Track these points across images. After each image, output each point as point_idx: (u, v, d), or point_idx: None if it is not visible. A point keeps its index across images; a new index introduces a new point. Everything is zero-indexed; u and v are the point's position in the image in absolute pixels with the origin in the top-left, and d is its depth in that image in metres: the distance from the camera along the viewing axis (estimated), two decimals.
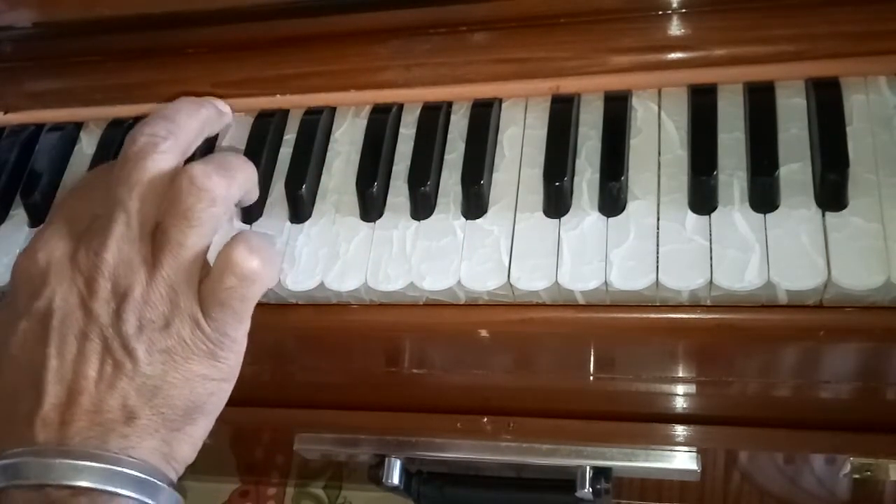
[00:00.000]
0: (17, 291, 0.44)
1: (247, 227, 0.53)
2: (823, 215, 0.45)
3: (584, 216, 0.48)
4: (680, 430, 0.60)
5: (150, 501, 0.40)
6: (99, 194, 0.45)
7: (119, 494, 0.39)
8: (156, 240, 0.42)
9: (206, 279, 0.43)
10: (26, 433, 0.40)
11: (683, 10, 0.52)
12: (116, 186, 0.43)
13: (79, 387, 0.40)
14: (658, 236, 0.47)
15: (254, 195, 0.51)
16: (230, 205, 0.45)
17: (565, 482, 0.63)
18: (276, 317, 0.52)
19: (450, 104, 0.55)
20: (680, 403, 0.60)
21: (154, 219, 0.43)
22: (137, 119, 0.60)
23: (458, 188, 0.51)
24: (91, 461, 0.39)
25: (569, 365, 0.58)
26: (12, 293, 0.44)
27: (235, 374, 0.45)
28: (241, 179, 0.45)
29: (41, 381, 0.41)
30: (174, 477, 0.43)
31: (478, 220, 0.50)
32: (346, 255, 0.51)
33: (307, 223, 0.53)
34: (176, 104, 0.48)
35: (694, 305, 0.46)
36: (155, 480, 0.41)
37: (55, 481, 0.39)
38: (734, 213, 0.46)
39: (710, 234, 0.46)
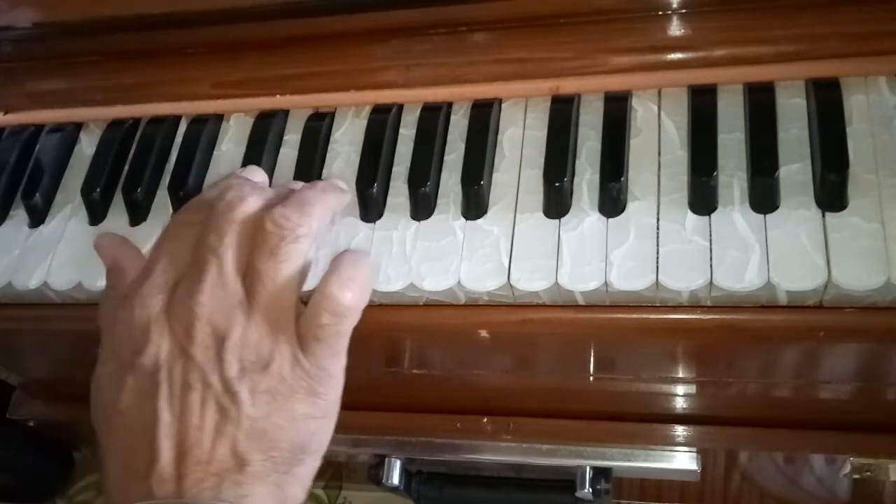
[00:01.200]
0: (118, 346, 0.44)
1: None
2: (823, 216, 0.45)
3: (584, 217, 0.48)
4: (680, 431, 0.60)
5: None
6: (188, 242, 0.45)
7: None
8: (248, 281, 0.43)
9: (302, 315, 0.43)
10: (143, 488, 0.40)
11: (683, 11, 0.52)
12: (208, 235, 0.44)
13: (190, 438, 0.41)
14: (658, 237, 0.47)
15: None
16: (313, 237, 0.45)
17: (565, 482, 0.63)
18: None
19: (450, 105, 0.55)
20: (680, 404, 0.60)
21: (245, 264, 0.43)
22: (138, 119, 0.60)
23: (458, 189, 0.51)
24: None
25: (569, 365, 0.58)
26: (113, 347, 0.44)
27: (336, 412, 0.45)
28: (319, 212, 0.46)
29: (154, 437, 0.41)
30: None
31: (478, 221, 0.50)
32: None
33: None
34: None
35: (694, 306, 0.46)
36: None
37: None
38: (734, 214, 0.46)
39: (710, 235, 0.46)
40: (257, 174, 0.52)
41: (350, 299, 0.43)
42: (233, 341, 0.41)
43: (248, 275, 0.43)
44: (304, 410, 0.43)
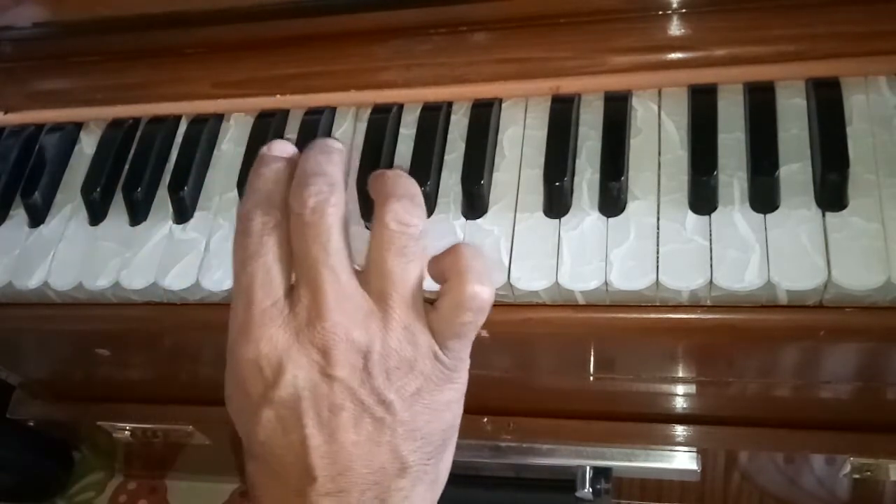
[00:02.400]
0: (247, 382, 0.42)
1: None
2: (823, 215, 0.45)
3: (585, 216, 0.48)
4: (680, 430, 0.60)
5: None
6: (275, 253, 0.43)
7: None
8: (375, 286, 0.42)
9: (435, 313, 0.42)
10: (305, 502, 0.40)
11: (683, 10, 0.52)
12: (306, 246, 0.42)
13: (347, 455, 0.40)
14: (658, 236, 0.47)
15: None
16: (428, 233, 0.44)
17: (565, 482, 0.63)
18: None
19: (450, 104, 0.55)
20: (680, 403, 0.60)
21: (349, 260, 0.42)
22: (137, 119, 0.60)
23: (459, 188, 0.51)
24: None
25: (569, 365, 0.58)
26: (240, 384, 0.43)
27: (466, 386, 0.45)
28: (422, 198, 0.45)
29: (306, 460, 0.40)
30: None
31: (478, 221, 0.50)
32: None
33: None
34: (311, 156, 0.46)
35: (694, 305, 0.46)
36: None
37: None
38: (734, 214, 0.46)
39: (711, 235, 0.46)
40: (288, 147, 0.47)
41: (489, 294, 0.42)
42: (377, 352, 0.41)
43: (373, 279, 0.42)
44: (447, 398, 0.43)
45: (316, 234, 0.42)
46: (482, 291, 0.42)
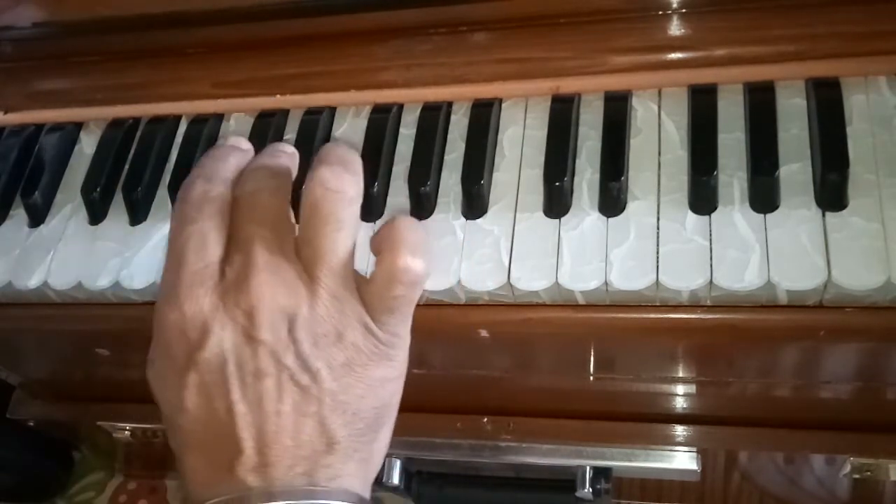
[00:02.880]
0: (172, 347, 0.41)
1: None
2: (823, 215, 0.45)
3: (585, 216, 0.48)
4: (680, 431, 0.60)
5: None
6: (211, 218, 0.43)
7: None
8: (303, 255, 0.41)
9: (367, 285, 0.42)
10: (235, 481, 0.39)
11: (683, 10, 0.52)
12: (242, 221, 0.42)
13: (273, 425, 0.39)
14: (658, 236, 0.47)
15: None
16: (360, 198, 0.43)
17: (565, 482, 0.63)
18: None
19: (450, 104, 0.55)
20: (680, 403, 0.60)
21: (290, 240, 0.42)
22: (138, 119, 0.60)
23: (459, 188, 0.51)
24: (302, 499, 0.39)
25: (569, 365, 0.58)
26: (165, 349, 0.42)
27: (405, 367, 0.44)
28: (360, 169, 0.44)
29: (234, 429, 0.39)
30: (369, 494, 0.42)
31: (478, 221, 0.50)
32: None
33: None
34: (259, 155, 0.48)
35: (694, 305, 0.46)
36: None
37: None
38: (734, 214, 0.46)
39: (711, 235, 0.46)
40: (243, 142, 0.48)
41: (422, 267, 0.41)
42: (303, 317, 0.40)
43: (302, 248, 0.41)
44: (381, 374, 0.42)
45: (252, 212, 0.42)
46: (415, 264, 0.41)
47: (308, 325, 0.40)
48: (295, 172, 0.48)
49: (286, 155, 0.47)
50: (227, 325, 0.40)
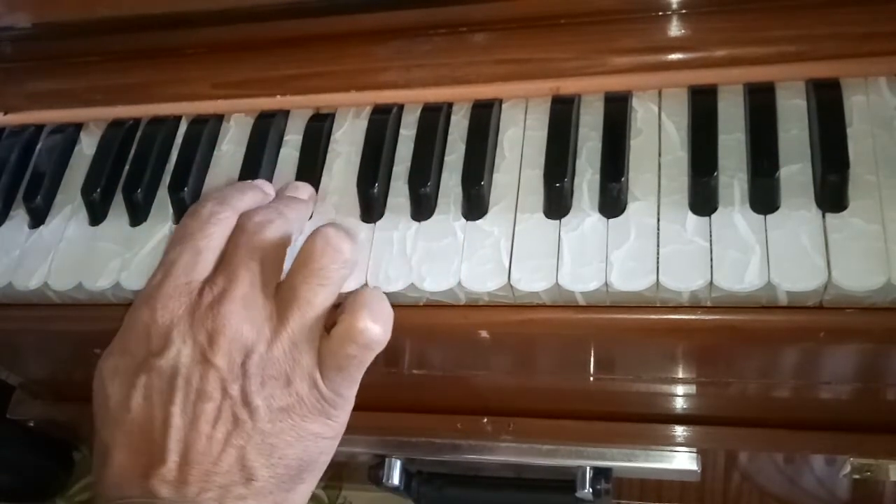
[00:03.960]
0: (134, 344, 0.44)
1: None
2: (824, 216, 0.45)
3: (585, 217, 0.48)
4: (680, 431, 0.60)
5: None
6: (214, 242, 0.45)
7: None
8: (281, 297, 0.43)
9: (325, 340, 0.43)
10: (147, 487, 0.40)
11: (683, 11, 0.52)
12: (238, 249, 0.44)
13: (199, 446, 0.41)
14: (658, 237, 0.47)
15: None
16: (354, 267, 0.46)
17: (565, 482, 0.63)
18: None
19: (450, 105, 0.55)
20: (680, 404, 0.60)
21: (274, 282, 0.44)
22: (138, 119, 0.60)
23: (459, 189, 0.51)
24: None
25: (569, 365, 0.58)
26: (125, 342, 0.44)
27: (342, 432, 0.45)
28: (358, 247, 0.46)
29: (164, 439, 0.41)
30: None
31: (478, 222, 0.50)
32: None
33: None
34: (278, 194, 0.51)
35: (694, 306, 0.46)
36: None
37: None
38: (734, 215, 0.46)
39: (711, 235, 0.46)
40: (267, 186, 0.52)
41: (380, 333, 0.43)
42: (258, 354, 0.41)
43: (283, 290, 0.43)
44: (316, 430, 0.43)
45: (249, 241, 0.44)
46: (372, 329, 0.43)
47: (262, 362, 0.41)
48: (307, 217, 0.50)
49: (303, 203, 0.50)
50: (188, 341, 0.42)
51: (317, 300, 0.43)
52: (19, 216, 0.59)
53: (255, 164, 0.55)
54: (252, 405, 0.41)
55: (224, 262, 0.44)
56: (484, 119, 0.53)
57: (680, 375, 0.56)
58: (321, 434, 0.43)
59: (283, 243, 0.45)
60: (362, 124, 0.55)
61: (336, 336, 0.43)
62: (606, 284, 0.46)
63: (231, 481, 0.41)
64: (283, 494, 0.42)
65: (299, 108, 0.58)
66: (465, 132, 0.53)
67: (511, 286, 0.47)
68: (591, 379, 0.58)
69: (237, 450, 0.41)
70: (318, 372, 0.43)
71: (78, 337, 0.62)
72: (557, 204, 0.49)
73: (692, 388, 0.58)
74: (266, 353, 0.42)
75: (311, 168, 0.54)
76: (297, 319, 0.42)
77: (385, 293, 0.49)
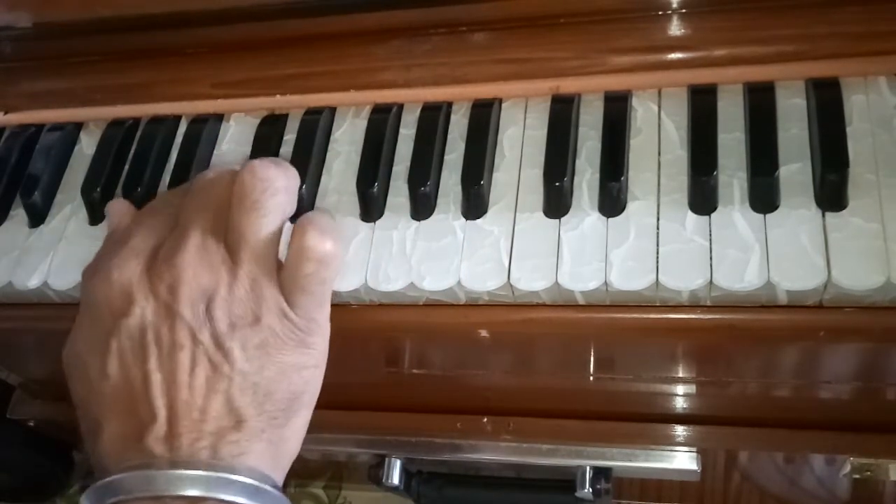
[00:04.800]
0: (97, 312, 0.44)
1: None
2: (823, 215, 0.45)
3: (584, 216, 0.48)
4: (680, 430, 0.60)
5: None
6: (167, 215, 0.46)
7: (232, 503, 0.40)
8: (229, 240, 0.43)
9: (282, 269, 0.44)
10: (142, 449, 0.41)
11: (683, 11, 0.52)
12: (188, 206, 0.45)
13: (182, 396, 0.41)
14: (658, 236, 0.47)
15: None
16: (292, 194, 0.45)
17: (565, 482, 0.63)
18: None
19: (450, 104, 0.55)
20: (680, 403, 0.60)
21: (225, 228, 0.44)
22: (137, 119, 0.60)
23: (459, 188, 0.51)
24: (205, 471, 0.40)
25: (569, 365, 0.58)
26: (93, 315, 0.44)
27: (325, 359, 0.45)
28: (294, 175, 0.46)
29: (147, 398, 0.41)
30: (281, 478, 0.43)
31: (478, 221, 0.50)
32: (346, 255, 0.51)
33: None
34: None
35: (694, 306, 0.46)
36: (267, 487, 0.41)
37: (170, 492, 0.39)
38: (734, 214, 0.46)
39: (710, 235, 0.46)
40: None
41: (331, 246, 0.43)
42: (221, 297, 0.42)
43: (229, 234, 0.43)
44: (296, 361, 0.43)
45: (199, 196, 0.45)
46: (322, 242, 0.43)
47: (226, 305, 0.42)
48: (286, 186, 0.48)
49: (275, 169, 0.47)
50: (150, 297, 0.42)
51: (261, 233, 0.43)
52: (19, 216, 0.59)
53: None
54: (225, 348, 0.41)
55: (179, 217, 0.45)
56: (484, 118, 0.53)
57: (680, 375, 0.56)
58: (303, 364, 0.43)
59: (230, 186, 0.45)
60: (362, 124, 0.55)
61: (290, 260, 0.43)
62: (606, 284, 0.46)
63: (221, 427, 0.41)
64: (276, 431, 0.42)
65: (299, 107, 0.58)
66: (464, 131, 0.53)
67: (511, 285, 0.47)
68: (591, 378, 0.58)
69: (222, 394, 0.41)
70: (284, 301, 0.43)
71: None
72: (557, 203, 0.49)
73: (692, 388, 0.58)
74: (228, 294, 0.42)
75: (310, 167, 0.54)
76: (249, 256, 0.43)
77: (385, 292, 0.49)
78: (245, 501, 0.40)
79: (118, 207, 0.52)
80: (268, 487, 0.41)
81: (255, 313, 0.42)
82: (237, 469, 0.40)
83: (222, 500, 0.39)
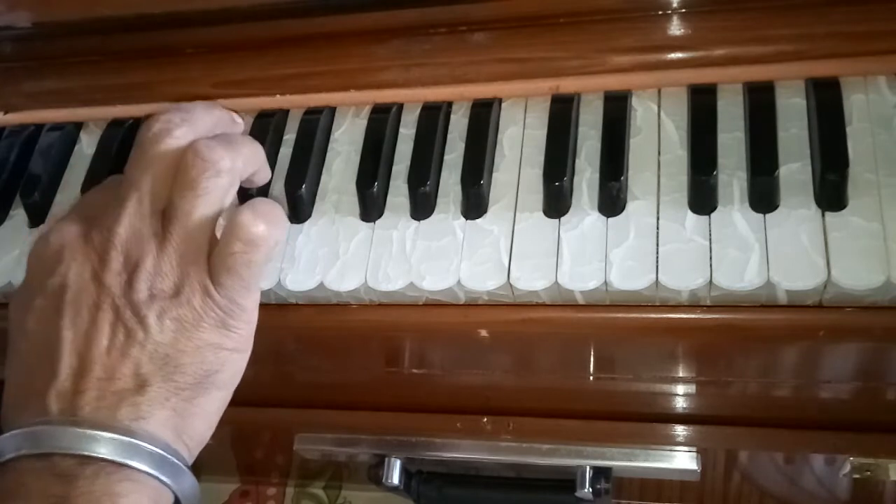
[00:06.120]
0: (31, 273, 0.45)
1: None
2: (823, 215, 0.45)
3: (584, 216, 0.48)
4: (680, 430, 0.59)
5: (165, 479, 0.41)
6: (113, 187, 0.46)
7: (129, 466, 0.39)
8: (166, 214, 0.43)
9: (215, 247, 0.44)
10: (41, 405, 0.40)
11: (683, 10, 0.52)
12: (130, 169, 0.45)
13: (91, 356, 0.41)
14: (658, 236, 0.47)
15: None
16: (235, 177, 0.45)
17: (565, 482, 0.63)
18: (276, 317, 0.52)
19: (450, 104, 0.55)
20: (680, 403, 0.60)
21: (166, 198, 0.44)
22: (138, 119, 0.60)
23: (458, 188, 0.51)
24: (100, 430, 0.39)
25: (569, 365, 0.58)
26: (27, 276, 0.45)
27: (248, 346, 0.45)
28: (246, 153, 0.46)
29: (56, 353, 0.41)
30: (188, 456, 0.43)
31: (478, 220, 0.50)
32: (346, 255, 0.51)
33: (307, 223, 0.53)
34: (191, 103, 0.49)
35: (694, 305, 0.46)
36: (173, 459, 0.41)
37: (63, 450, 0.39)
38: (734, 213, 0.46)
39: (710, 234, 0.46)
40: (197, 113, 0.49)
41: (263, 229, 0.43)
42: (145, 269, 0.42)
43: (167, 207, 0.43)
44: (213, 340, 0.43)
45: (141, 157, 0.44)
46: (253, 223, 0.43)
47: (148, 276, 0.42)
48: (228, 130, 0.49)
49: (218, 114, 0.48)
50: (78, 258, 0.43)
51: (196, 212, 0.43)
52: (19, 215, 0.59)
53: None
54: (141, 315, 0.41)
55: (119, 186, 0.45)
56: (483, 118, 0.53)
57: (680, 375, 0.56)
58: (220, 345, 0.43)
59: (179, 153, 0.44)
60: (362, 123, 0.56)
61: (222, 238, 0.44)
62: (606, 283, 0.46)
63: (124, 389, 0.41)
64: (181, 403, 0.42)
65: (299, 107, 0.58)
66: (464, 131, 0.53)
67: (510, 285, 0.47)
68: (591, 378, 0.58)
69: (131, 359, 0.41)
70: (209, 280, 0.43)
71: None
72: (557, 203, 0.49)
73: (692, 388, 0.58)
74: (153, 266, 0.42)
75: (310, 167, 0.54)
76: (180, 231, 0.43)
77: (385, 292, 0.49)
78: (143, 467, 0.40)
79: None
80: (174, 459, 0.41)
81: (176, 287, 0.42)
82: (137, 433, 0.40)
83: (117, 462, 0.39)
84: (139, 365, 0.41)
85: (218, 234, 0.45)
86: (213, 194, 0.43)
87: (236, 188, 0.46)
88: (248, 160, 0.47)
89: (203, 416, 0.44)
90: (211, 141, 0.44)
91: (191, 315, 0.42)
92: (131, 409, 0.41)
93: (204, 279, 0.43)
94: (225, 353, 0.44)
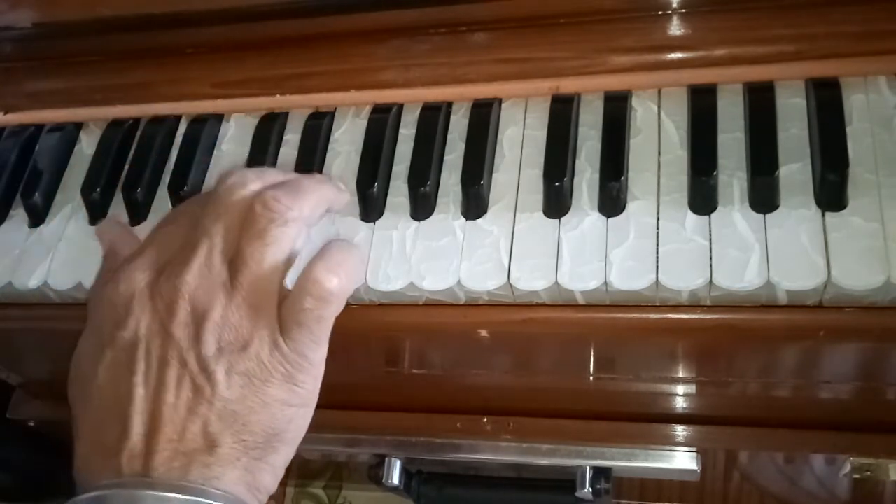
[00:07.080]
0: (101, 320, 0.44)
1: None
2: (823, 215, 0.45)
3: (584, 216, 0.48)
4: (680, 430, 0.60)
5: None
6: (185, 228, 0.46)
7: None
8: (234, 263, 0.43)
9: (285, 300, 0.43)
10: (113, 464, 0.40)
11: (683, 11, 0.52)
12: (203, 217, 0.44)
13: (161, 415, 0.41)
14: (658, 236, 0.47)
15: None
16: (303, 224, 0.45)
17: (565, 482, 0.63)
18: None
19: (450, 104, 0.55)
20: (680, 403, 0.60)
21: (236, 248, 0.44)
22: (137, 119, 0.60)
23: (458, 188, 0.51)
24: (175, 492, 0.39)
25: (569, 365, 0.58)
26: (95, 321, 0.45)
27: (314, 400, 0.45)
28: (314, 200, 0.46)
29: (127, 412, 0.41)
30: None
31: (478, 221, 0.50)
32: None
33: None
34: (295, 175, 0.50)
35: (694, 305, 0.46)
36: None
37: None
38: (734, 213, 0.46)
39: (710, 234, 0.46)
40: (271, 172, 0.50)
41: (336, 284, 0.43)
42: (212, 321, 0.41)
43: (236, 254, 0.43)
44: (281, 396, 0.42)
45: (215, 207, 0.44)
46: (327, 279, 0.42)
47: (217, 329, 0.41)
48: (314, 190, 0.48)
49: (314, 184, 0.48)
50: (147, 311, 0.42)
51: (265, 261, 0.42)
52: (19, 215, 0.59)
53: (256, 164, 0.55)
54: (209, 371, 0.41)
55: (191, 231, 0.44)
56: (483, 118, 0.53)
57: (680, 375, 0.56)
58: (287, 401, 0.43)
59: (250, 206, 0.44)
60: (362, 124, 0.55)
61: (294, 291, 0.43)
62: (606, 283, 0.46)
63: (195, 449, 0.41)
64: (251, 462, 0.42)
65: (299, 107, 0.58)
66: (464, 131, 0.53)
67: (510, 285, 0.47)
68: (591, 378, 0.58)
69: (200, 417, 0.41)
70: (279, 333, 0.42)
71: (78, 337, 0.62)
72: (557, 203, 0.49)
73: (692, 388, 0.58)
74: (221, 319, 0.42)
75: (310, 167, 0.54)
76: (249, 282, 0.42)
77: (385, 292, 0.49)
78: None
79: (109, 230, 0.52)
80: None
81: (244, 340, 0.42)
82: (208, 492, 0.40)
83: None
84: (207, 423, 0.41)
85: (287, 283, 0.44)
86: (281, 243, 0.43)
87: (305, 234, 0.46)
88: (316, 206, 0.46)
89: (271, 471, 0.43)
90: (278, 191, 0.44)
91: (259, 370, 0.42)
92: (203, 469, 0.40)
93: (274, 332, 0.42)
94: (292, 409, 0.43)
